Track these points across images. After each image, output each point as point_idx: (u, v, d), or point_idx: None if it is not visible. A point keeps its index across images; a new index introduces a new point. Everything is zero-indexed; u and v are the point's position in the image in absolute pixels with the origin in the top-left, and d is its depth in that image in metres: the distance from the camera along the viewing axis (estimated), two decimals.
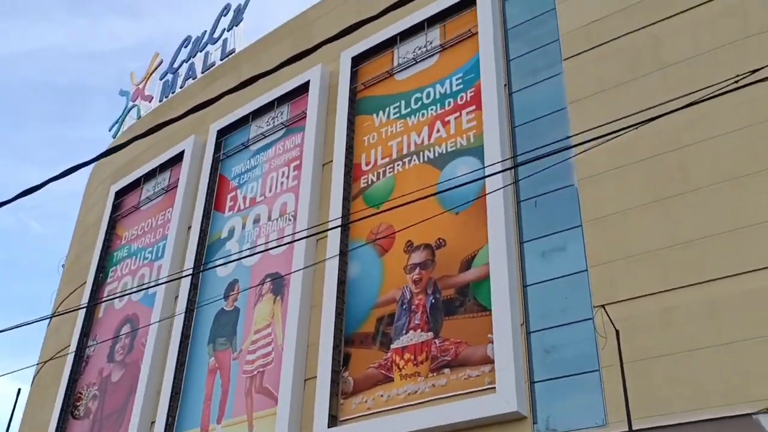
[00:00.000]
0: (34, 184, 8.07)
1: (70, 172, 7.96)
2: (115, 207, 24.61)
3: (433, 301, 14.44)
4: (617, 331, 10.76)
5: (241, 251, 18.95)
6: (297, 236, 17.25)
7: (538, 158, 12.61)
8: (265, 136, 20.45)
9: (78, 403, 21.22)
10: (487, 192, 14.29)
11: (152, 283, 19.66)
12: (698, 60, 13.19)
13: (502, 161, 14.21)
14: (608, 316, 10.82)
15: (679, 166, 12.54)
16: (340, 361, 15.16)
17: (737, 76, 7.53)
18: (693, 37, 13.47)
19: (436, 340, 13.96)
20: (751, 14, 13.10)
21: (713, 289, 11.24)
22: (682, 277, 11.60)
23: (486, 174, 14.37)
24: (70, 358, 21.97)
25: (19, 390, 24.99)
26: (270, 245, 18.16)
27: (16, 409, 22.37)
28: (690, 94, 7.91)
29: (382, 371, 14.49)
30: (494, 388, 12.57)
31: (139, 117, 27.21)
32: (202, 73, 24.86)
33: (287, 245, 17.82)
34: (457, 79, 16.60)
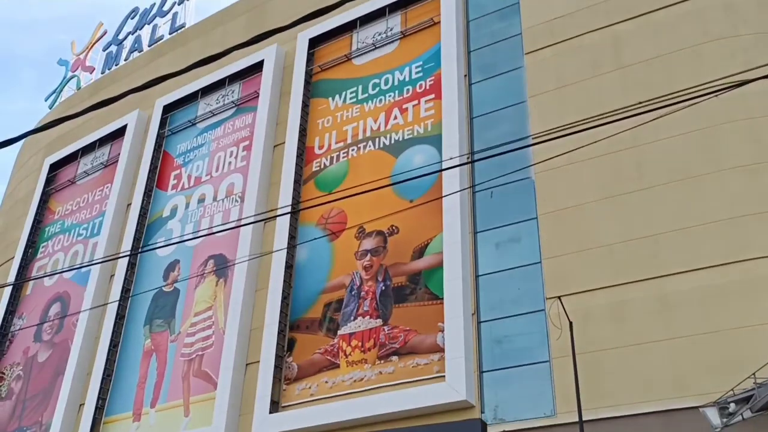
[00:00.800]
0: None
1: (6, 145, 7.53)
2: (49, 180, 23.53)
3: (383, 288, 14.24)
4: (570, 323, 10.78)
5: (184, 232, 18.35)
6: (245, 220, 16.78)
7: (495, 147, 12.58)
8: (214, 114, 19.87)
9: (0, 384, 20.17)
10: (443, 181, 14.20)
11: (94, 262, 18.83)
12: (657, 62, 13.39)
13: (460, 156, 14.13)
14: (563, 306, 10.83)
15: (634, 164, 12.69)
16: (285, 346, 14.81)
17: (691, 87, 7.58)
18: (653, 39, 13.66)
19: (385, 327, 13.77)
20: (710, 21, 13.37)
21: (665, 285, 11.41)
22: (635, 271, 11.74)
23: (443, 166, 14.28)
24: None
25: None
26: (215, 228, 17.64)
27: None
28: (649, 101, 7.92)
29: (328, 357, 14.21)
30: (443, 376, 12.46)
31: (78, 88, 26.10)
32: (149, 46, 24.01)
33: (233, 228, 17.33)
34: (416, 67, 16.45)
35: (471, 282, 13.18)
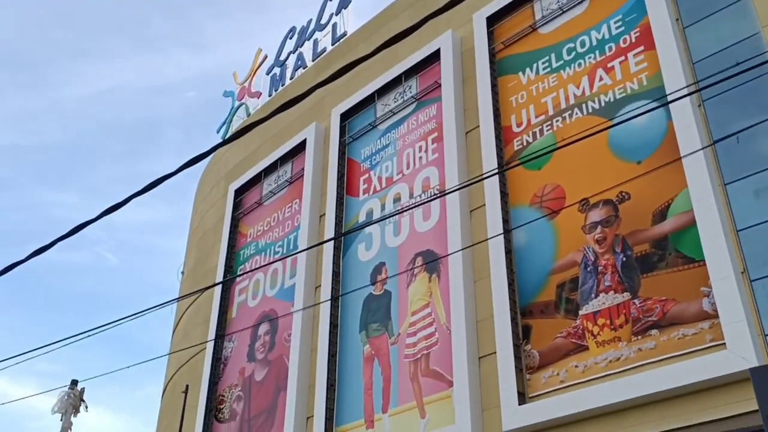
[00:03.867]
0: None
1: (180, 170, 7.34)
2: (236, 206, 24.08)
3: (624, 259, 13.06)
4: None
5: (384, 234, 17.97)
6: (450, 197, 16.11)
7: (731, 77, 11.20)
8: (395, 113, 19.47)
9: (221, 406, 20.60)
10: (677, 134, 12.88)
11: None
12: None
13: (688, 91, 12.74)
14: None
15: None
16: (519, 334, 13.92)
17: None
18: None
19: (635, 301, 12.57)
20: None
21: None
22: None
23: (669, 104, 12.98)
24: (207, 362, 21.42)
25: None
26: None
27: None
28: None
29: (573, 340, 13.18)
30: (722, 344, 11.10)
31: (248, 115, 26.72)
32: (313, 61, 24.15)
33: (436, 222, 16.75)
34: (615, 22, 15.22)
35: (733, 238, 11.75)
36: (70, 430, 16.22)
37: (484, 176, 14.50)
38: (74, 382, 17.36)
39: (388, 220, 18.09)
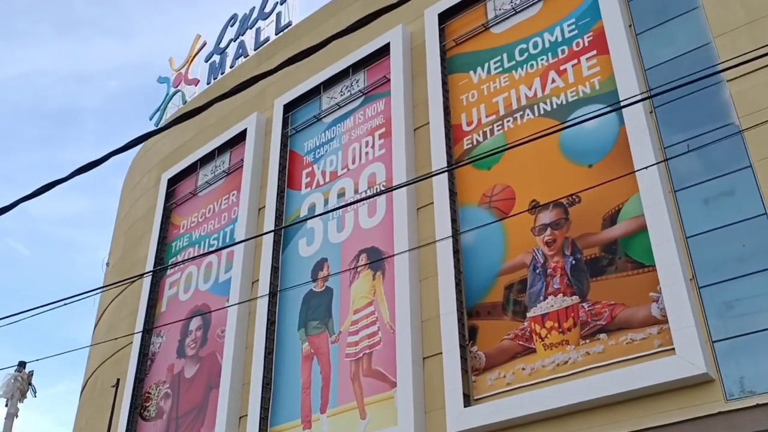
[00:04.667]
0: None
1: (109, 157, 7.17)
2: (168, 195, 23.13)
3: (573, 262, 13.02)
4: None
5: (327, 229, 17.51)
6: (398, 194, 15.80)
7: (683, 85, 11.31)
8: (341, 107, 19.02)
9: (147, 404, 19.69)
10: (629, 139, 12.93)
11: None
12: None
13: (641, 97, 12.82)
14: None
15: None
16: (466, 335, 13.72)
17: None
18: None
19: (584, 304, 12.55)
20: None
21: None
22: None
23: (625, 120, 13.04)
24: (134, 357, 20.45)
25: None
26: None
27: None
28: None
29: (520, 342, 13.06)
30: (670, 350, 11.16)
31: (184, 102, 25.75)
32: (255, 50, 23.44)
33: (382, 218, 16.41)
34: (569, 25, 15.23)
35: (682, 245, 11.85)
36: (17, 417, 14.98)
37: (434, 173, 14.24)
38: (22, 364, 16.05)
39: (331, 215, 17.64)
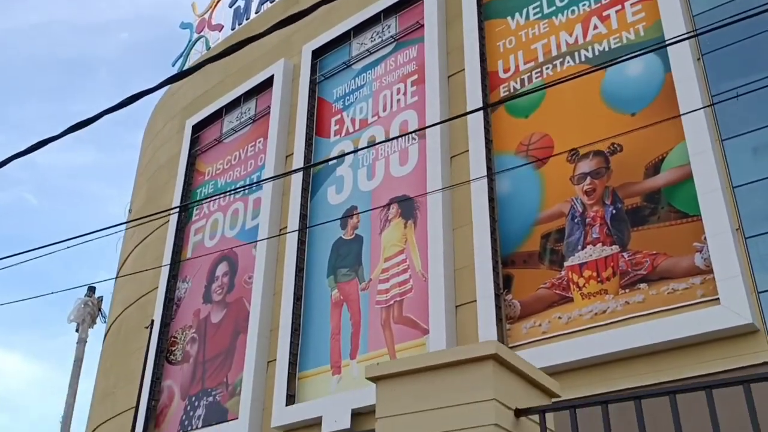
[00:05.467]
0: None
1: (133, 101, 7.01)
2: (193, 142, 22.95)
3: (613, 211, 12.82)
4: None
5: (357, 178, 17.33)
6: (429, 154, 15.58)
7: (730, 24, 10.96)
8: (371, 53, 18.66)
9: (173, 348, 19.81)
10: (675, 86, 12.61)
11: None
12: None
13: (688, 36, 12.46)
14: None
15: None
16: (500, 284, 13.61)
17: None
18: None
19: (624, 254, 12.38)
20: None
21: None
22: None
23: (668, 57, 12.70)
24: (159, 302, 20.53)
25: None
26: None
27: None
28: None
29: (557, 291, 12.95)
30: (713, 300, 11.02)
31: (208, 48, 25.41)
32: None
33: (414, 167, 16.22)
34: None
35: (729, 194, 11.62)
36: (86, 342, 14.94)
37: (470, 112, 14.06)
38: (91, 289, 15.95)
39: (360, 164, 17.44)
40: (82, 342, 14.85)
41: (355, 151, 17.35)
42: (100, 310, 15.65)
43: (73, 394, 14.03)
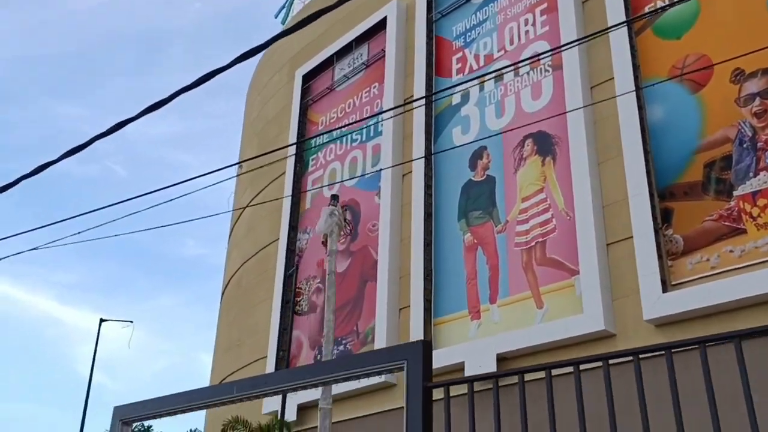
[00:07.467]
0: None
1: (243, 59, 6.64)
2: (303, 92, 22.59)
3: None
4: None
5: (484, 116, 16.53)
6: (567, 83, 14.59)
7: None
8: None
9: (298, 299, 19.75)
10: None
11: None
12: None
13: None
14: None
15: None
16: (658, 218, 12.65)
17: None
18: None
19: None
20: None
21: None
22: None
23: None
24: (282, 253, 20.46)
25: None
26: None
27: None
28: None
29: (726, 223, 11.91)
30: None
31: None
32: None
33: (549, 101, 15.28)
34: None
35: None
36: (336, 253, 14.56)
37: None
38: (335, 197, 15.68)
39: (487, 101, 16.62)
40: (333, 254, 14.32)
41: (489, 76, 16.51)
42: (346, 220, 15.15)
43: (332, 309, 13.59)
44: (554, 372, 4.51)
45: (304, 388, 4.06)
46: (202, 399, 4.36)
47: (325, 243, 14.35)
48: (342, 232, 14.42)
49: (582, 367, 4.59)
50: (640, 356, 4.33)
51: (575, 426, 4.46)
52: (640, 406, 3.32)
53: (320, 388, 11.99)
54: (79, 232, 10.98)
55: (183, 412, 4.61)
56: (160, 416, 4.60)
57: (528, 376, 4.77)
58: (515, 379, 4.73)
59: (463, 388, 5.02)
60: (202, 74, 6.52)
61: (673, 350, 3.76)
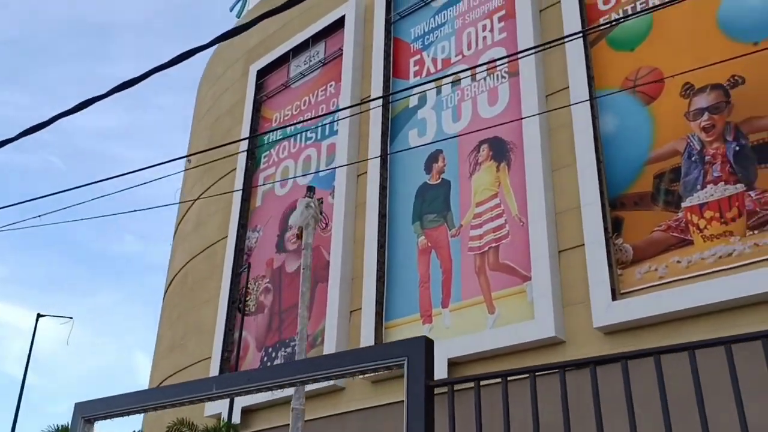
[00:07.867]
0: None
1: (191, 54, 6.32)
2: (258, 88, 22.30)
3: (737, 148, 11.97)
4: None
5: (441, 120, 16.58)
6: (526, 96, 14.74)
7: None
8: None
9: (246, 299, 19.47)
10: None
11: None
12: None
13: None
14: None
15: None
16: (609, 227, 12.88)
17: None
18: None
19: (751, 193, 11.57)
20: None
21: None
22: None
23: None
24: (230, 252, 20.15)
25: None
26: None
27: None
28: None
29: (674, 234, 12.20)
30: None
31: None
32: None
33: (505, 107, 15.41)
34: None
35: None
36: (311, 247, 13.98)
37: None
38: (310, 189, 15.12)
39: (444, 105, 16.68)
40: (308, 247, 13.78)
41: (445, 78, 16.55)
42: (321, 212, 14.60)
43: (306, 305, 13.14)
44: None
45: (292, 385, 3.95)
46: (176, 396, 4.19)
47: (300, 236, 14.03)
48: (318, 225, 14.07)
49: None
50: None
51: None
52: (595, 413, 3.37)
53: (292, 389, 11.82)
54: (13, 223, 10.58)
55: (155, 409, 4.43)
56: (128, 414, 4.42)
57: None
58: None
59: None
60: (148, 68, 6.31)
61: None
